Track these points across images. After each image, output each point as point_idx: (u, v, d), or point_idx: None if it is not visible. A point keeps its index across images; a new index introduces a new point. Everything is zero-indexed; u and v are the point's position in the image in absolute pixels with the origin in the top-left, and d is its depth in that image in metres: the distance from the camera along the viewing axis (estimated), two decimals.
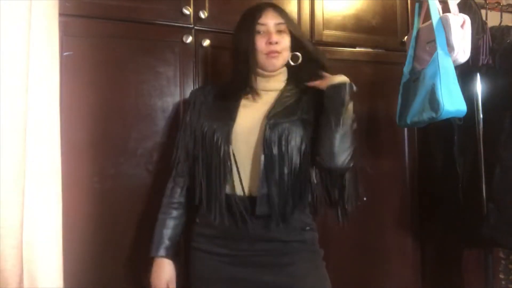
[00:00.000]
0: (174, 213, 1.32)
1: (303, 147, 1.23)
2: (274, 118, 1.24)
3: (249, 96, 1.31)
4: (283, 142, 1.21)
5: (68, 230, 1.22)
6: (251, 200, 1.22)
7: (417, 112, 1.52)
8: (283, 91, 1.33)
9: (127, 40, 1.47)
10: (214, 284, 1.25)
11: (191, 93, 1.42)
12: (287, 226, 1.22)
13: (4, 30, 0.98)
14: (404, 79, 1.65)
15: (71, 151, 1.33)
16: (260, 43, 1.28)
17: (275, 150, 1.21)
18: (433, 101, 1.44)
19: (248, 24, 1.29)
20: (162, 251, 1.27)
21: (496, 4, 1.89)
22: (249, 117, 1.28)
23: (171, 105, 1.51)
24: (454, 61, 1.50)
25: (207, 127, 1.28)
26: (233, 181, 1.23)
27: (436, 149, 1.92)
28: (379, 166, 1.86)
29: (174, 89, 1.52)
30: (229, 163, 1.22)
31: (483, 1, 1.84)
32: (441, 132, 1.85)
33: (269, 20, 1.29)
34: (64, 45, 1.35)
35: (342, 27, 1.83)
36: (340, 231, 1.70)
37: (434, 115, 1.44)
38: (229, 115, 1.28)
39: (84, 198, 1.38)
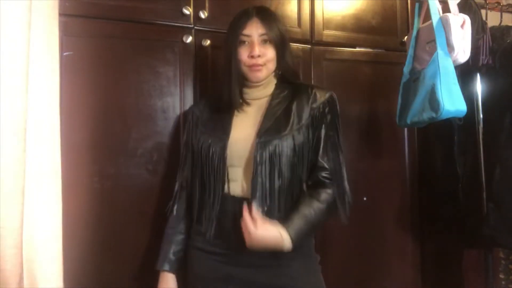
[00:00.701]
0: (180, 227, 1.35)
1: (295, 160, 1.23)
2: (264, 135, 1.23)
3: (241, 107, 1.31)
4: (274, 160, 1.21)
5: (68, 230, 1.22)
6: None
7: (417, 112, 1.52)
8: (272, 98, 1.31)
9: (127, 40, 1.47)
10: (210, 282, 1.26)
11: (187, 112, 1.45)
12: None
13: (4, 30, 0.98)
14: (404, 79, 1.65)
15: (71, 151, 1.33)
16: (243, 55, 1.26)
17: (265, 169, 1.21)
18: (433, 101, 1.44)
19: (232, 34, 1.28)
20: (166, 266, 1.30)
21: (496, 4, 1.89)
22: (242, 130, 1.28)
23: (171, 105, 1.51)
24: (454, 61, 1.50)
25: (202, 142, 1.30)
26: (228, 194, 1.25)
27: (436, 149, 1.92)
28: (379, 166, 1.86)
29: (174, 89, 1.52)
30: (223, 179, 1.25)
31: (483, 1, 1.84)
32: (441, 132, 1.85)
33: (254, 31, 1.25)
34: (64, 45, 1.35)
35: (342, 27, 1.83)
36: (340, 231, 1.71)
37: (434, 115, 1.44)
38: (223, 129, 1.29)
39: (84, 198, 1.38)
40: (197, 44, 1.56)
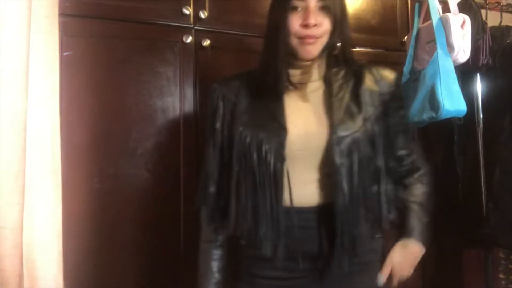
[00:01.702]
0: (220, 239, 1.13)
1: (373, 155, 1.04)
2: (338, 129, 1.01)
3: (289, 92, 1.08)
4: (353, 158, 1.01)
5: (68, 230, 1.22)
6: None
7: (417, 112, 1.51)
8: (330, 81, 1.08)
9: (127, 40, 1.47)
10: None
11: (214, 91, 1.15)
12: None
13: (4, 30, 0.98)
14: (404, 79, 1.65)
15: (71, 151, 1.34)
16: (294, 23, 1.02)
17: (345, 170, 1.00)
18: (433, 101, 1.44)
19: None
20: (212, 287, 1.12)
21: (496, 4, 1.89)
22: (301, 123, 1.06)
23: (171, 105, 1.51)
24: (454, 61, 1.50)
25: (249, 137, 1.03)
26: (290, 204, 1.03)
27: (436, 149, 1.92)
28: None
29: (174, 89, 1.52)
30: (281, 184, 1.01)
31: (483, 1, 1.84)
32: (441, 132, 1.85)
33: None
34: (64, 45, 1.34)
35: None
36: None
37: (434, 115, 1.44)
38: (277, 122, 1.04)
39: (84, 198, 1.38)
40: (197, 44, 1.55)
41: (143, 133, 1.47)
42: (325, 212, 1.02)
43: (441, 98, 1.42)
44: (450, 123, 1.73)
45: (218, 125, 1.11)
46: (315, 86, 1.10)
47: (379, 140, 1.05)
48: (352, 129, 1.02)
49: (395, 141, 1.10)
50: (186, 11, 1.53)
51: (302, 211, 1.02)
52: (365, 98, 1.07)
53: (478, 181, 1.78)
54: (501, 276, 1.90)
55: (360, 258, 1.04)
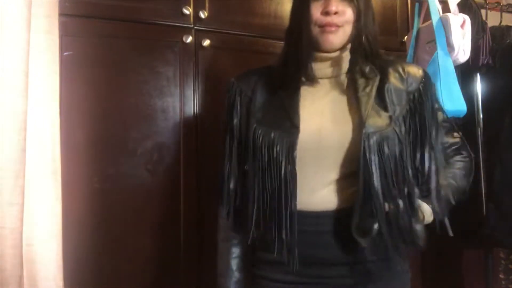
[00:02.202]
0: (238, 238, 1.09)
1: (402, 156, 0.96)
2: (366, 125, 0.94)
3: (308, 87, 1.03)
4: (383, 159, 0.93)
5: (68, 230, 1.22)
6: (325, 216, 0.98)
7: None
8: (355, 76, 1.02)
9: (127, 40, 1.47)
10: None
11: (232, 87, 1.11)
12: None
13: (4, 30, 0.98)
14: None
15: (71, 151, 1.34)
16: (315, 11, 0.99)
17: (374, 168, 0.93)
18: None
19: None
20: (233, 287, 1.07)
21: (496, 4, 1.89)
22: (317, 121, 1.00)
23: (171, 105, 1.51)
24: (454, 61, 1.50)
25: (261, 136, 0.99)
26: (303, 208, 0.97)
27: None
28: None
29: (174, 89, 1.52)
30: (293, 187, 0.95)
31: (483, 1, 1.84)
32: None
33: None
34: (64, 45, 1.34)
35: None
36: None
37: None
38: (290, 119, 0.98)
39: (84, 198, 1.38)
40: (197, 44, 1.55)
41: (143, 133, 1.47)
42: (342, 215, 0.95)
43: (441, 98, 1.42)
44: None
45: (235, 121, 1.07)
46: (337, 82, 1.04)
47: (406, 140, 0.98)
48: (380, 126, 0.95)
49: (431, 137, 1.01)
50: (186, 11, 1.53)
51: (316, 216, 0.97)
52: (391, 96, 1.00)
53: (478, 181, 1.78)
54: (501, 276, 1.90)
55: (373, 268, 0.97)
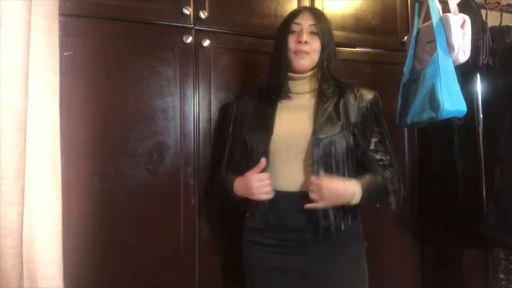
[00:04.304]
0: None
1: (347, 158, 1.29)
2: (319, 133, 1.28)
3: (285, 101, 1.37)
4: (329, 158, 1.26)
5: (68, 230, 1.22)
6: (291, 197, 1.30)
7: (417, 112, 1.52)
8: (320, 94, 1.35)
9: (127, 40, 1.47)
10: (265, 271, 1.32)
11: (232, 101, 1.47)
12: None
13: (4, 30, 0.98)
14: (404, 79, 1.65)
15: (71, 151, 1.34)
16: (291, 41, 1.33)
17: (321, 167, 1.25)
18: (433, 101, 1.44)
19: (284, 24, 1.37)
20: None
21: (496, 4, 1.89)
22: (287, 126, 1.33)
23: (171, 105, 1.51)
24: (454, 61, 1.50)
25: (247, 137, 1.35)
26: (278, 190, 1.30)
27: (436, 149, 1.92)
28: None
29: (174, 89, 1.52)
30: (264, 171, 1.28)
31: (483, 1, 1.84)
32: (441, 132, 1.85)
33: (304, 20, 1.34)
34: (64, 45, 1.34)
35: (342, 27, 1.83)
36: None
37: (434, 115, 1.44)
38: (267, 125, 1.33)
39: (84, 198, 1.38)
40: (197, 44, 1.56)
41: (143, 133, 1.47)
42: (305, 195, 1.25)
43: (441, 98, 1.42)
44: (450, 123, 1.73)
45: (231, 128, 1.44)
46: (307, 98, 1.37)
47: (352, 146, 1.29)
48: (331, 133, 1.28)
49: (368, 147, 1.34)
50: (186, 11, 1.53)
51: (287, 194, 1.29)
52: (345, 109, 1.33)
53: (479, 181, 1.78)
54: (501, 276, 1.90)
55: (336, 237, 1.28)
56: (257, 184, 1.26)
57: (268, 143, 1.30)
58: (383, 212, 1.88)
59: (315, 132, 1.28)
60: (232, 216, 1.47)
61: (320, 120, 1.30)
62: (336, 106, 1.33)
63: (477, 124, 1.79)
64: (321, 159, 1.26)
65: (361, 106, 1.33)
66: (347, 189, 1.25)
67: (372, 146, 1.34)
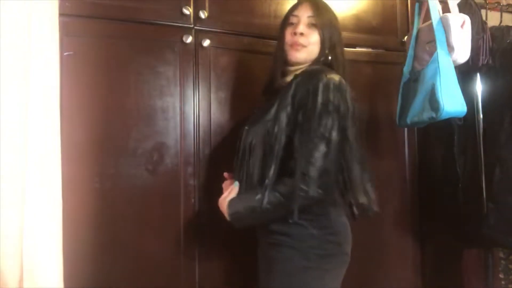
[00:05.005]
0: None
1: (266, 149, 1.21)
2: (249, 124, 1.28)
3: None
4: (247, 150, 1.25)
5: (68, 230, 1.21)
6: None
7: (417, 112, 1.52)
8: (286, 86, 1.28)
9: (127, 40, 1.47)
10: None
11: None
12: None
13: (4, 30, 0.98)
14: (404, 79, 1.65)
15: (71, 151, 1.33)
16: (288, 33, 1.29)
17: (243, 158, 1.27)
18: (433, 101, 1.44)
19: (284, 17, 1.34)
20: None
21: (496, 4, 1.89)
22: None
23: (171, 105, 1.51)
24: (454, 61, 1.50)
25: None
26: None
27: (436, 149, 1.92)
28: (379, 166, 1.86)
29: (174, 89, 1.52)
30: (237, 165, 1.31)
31: (483, 1, 1.84)
32: (441, 132, 1.85)
33: (302, 12, 1.29)
34: (64, 45, 1.34)
35: (342, 27, 1.81)
36: None
37: (434, 115, 1.44)
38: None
39: (84, 198, 1.38)
40: (197, 44, 1.56)
41: (143, 133, 1.47)
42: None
43: (441, 99, 1.42)
44: (450, 123, 1.73)
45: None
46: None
47: (272, 136, 1.20)
48: (258, 125, 1.24)
49: (292, 140, 1.19)
50: (186, 11, 1.53)
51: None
52: (281, 99, 1.22)
53: (478, 181, 1.78)
54: (501, 276, 1.90)
55: (272, 237, 1.23)
56: None
57: (242, 134, 1.31)
58: (383, 212, 1.88)
59: (248, 124, 1.29)
60: None
61: (258, 112, 1.29)
62: (279, 99, 1.26)
63: (477, 124, 1.79)
64: (246, 152, 1.27)
65: (293, 94, 1.25)
66: (224, 206, 1.26)
67: (296, 142, 1.24)
